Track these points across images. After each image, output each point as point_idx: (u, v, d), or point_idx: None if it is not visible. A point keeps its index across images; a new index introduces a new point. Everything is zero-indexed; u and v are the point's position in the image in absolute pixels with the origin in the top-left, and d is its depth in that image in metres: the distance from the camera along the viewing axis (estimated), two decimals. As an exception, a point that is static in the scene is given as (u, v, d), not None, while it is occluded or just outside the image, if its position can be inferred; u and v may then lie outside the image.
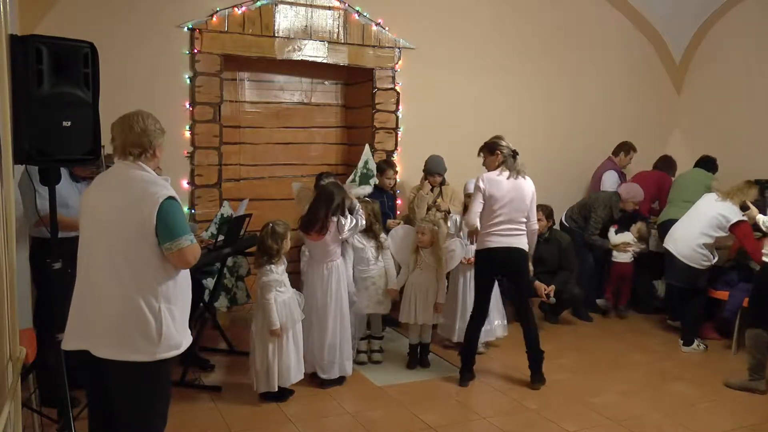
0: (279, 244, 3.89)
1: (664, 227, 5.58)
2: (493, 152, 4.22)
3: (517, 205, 4.14)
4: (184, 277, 2.54)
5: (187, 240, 2.42)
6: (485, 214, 4.16)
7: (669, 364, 4.80)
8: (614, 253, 5.92)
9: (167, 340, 2.42)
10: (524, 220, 4.19)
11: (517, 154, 4.23)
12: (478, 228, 4.17)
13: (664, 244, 5.24)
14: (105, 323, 2.41)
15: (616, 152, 6.40)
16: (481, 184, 4.13)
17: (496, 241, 4.15)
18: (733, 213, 4.87)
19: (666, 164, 6.24)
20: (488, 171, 4.23)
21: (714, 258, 5.01)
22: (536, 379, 4.29)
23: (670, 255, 5.13)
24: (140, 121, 2.49)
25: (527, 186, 4.20)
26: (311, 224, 4.10)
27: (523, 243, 4.21)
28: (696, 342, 5.10)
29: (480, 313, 4.34)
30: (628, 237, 5.91)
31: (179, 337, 2.47)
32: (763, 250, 4.28)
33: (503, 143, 4.24)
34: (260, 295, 3.89)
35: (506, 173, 4.15)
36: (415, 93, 6.01)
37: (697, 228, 4.99)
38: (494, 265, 4.26)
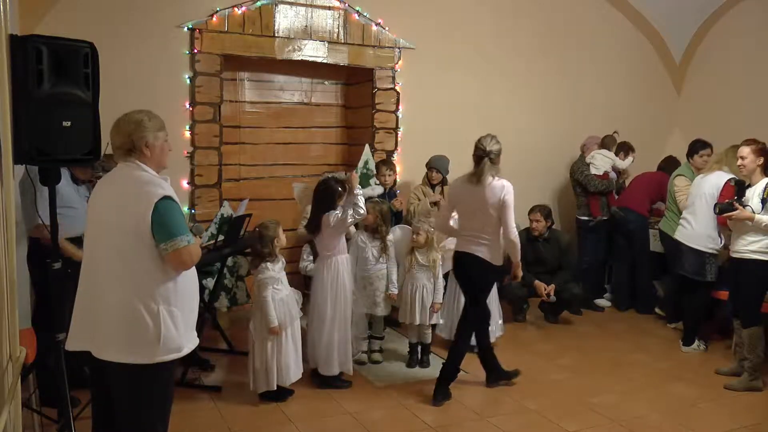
0: (270, 246, 3.89)
1: (663, 236, 5.58)
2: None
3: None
4: (188, 279, 2.50)
5: (183, 240, 2.37)
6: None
7: (669, 364, 4.80)
8: None
9: (167, 342, 2.38)
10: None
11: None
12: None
13: (674, 236, 5.21)
14: (105, 324, 2.40)
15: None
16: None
17: None
18: (721, 177, 4.82)
19: (670, 165, 6.23)
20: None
21: (721, 241, 4.87)
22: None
23: (677, 245, 5.09)
24: (126, 123, 2.48)
25: None
26: (311, 225, 4.16)
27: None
28: (696, 342, 5.10)
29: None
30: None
31: (180, 341, 2.44)
32: (736, 247, 4.27)
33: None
34: (257, 293, 3.90)
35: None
36: (415, 93, 6.01)
37: (700, 210, 4.92)
38: None
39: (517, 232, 3.96)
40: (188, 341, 2.50)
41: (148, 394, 2.46)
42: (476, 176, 3.89)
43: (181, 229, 2.39)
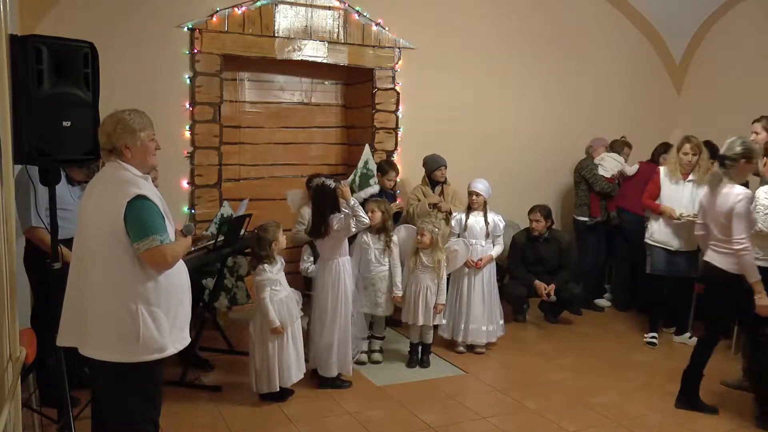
0: (267, 249, 3.89)
1: None
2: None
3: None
4: (173, 279, 2.49)
5: (156, 240, 2.35)
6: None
7: (669, 364, 4.80)
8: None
9: (147, 342, 2.37)
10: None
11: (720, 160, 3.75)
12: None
13: None
14: (88, 322, 2.42)
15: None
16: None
17: None
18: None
19: (657, 151, 6.19)
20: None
21: (649, 232, 5.18)
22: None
23: None
24: (107, 123, 2.49)
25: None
26: (315, 229, 4.12)
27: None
28: (652, 334, 5.29)
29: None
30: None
31: (163, 341, 2.42)
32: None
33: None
34: (256, 294, 3.90)
35: None
36: (415, 93, 6.01)
37: None
38: None
39: (745, 245, 3.54)
40: (174, 342, 2.49)
41: (131, 392, 2.45)
42: (709, 182, 3.85)
43: (154, 228, 2.37)
